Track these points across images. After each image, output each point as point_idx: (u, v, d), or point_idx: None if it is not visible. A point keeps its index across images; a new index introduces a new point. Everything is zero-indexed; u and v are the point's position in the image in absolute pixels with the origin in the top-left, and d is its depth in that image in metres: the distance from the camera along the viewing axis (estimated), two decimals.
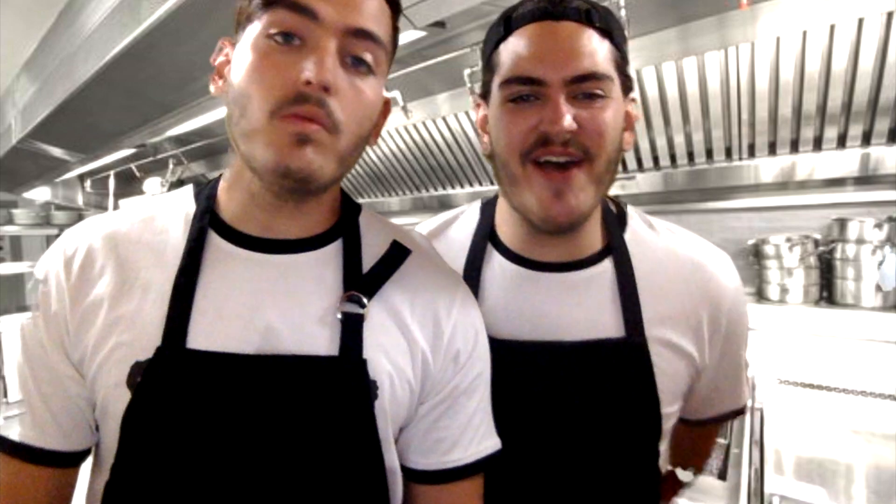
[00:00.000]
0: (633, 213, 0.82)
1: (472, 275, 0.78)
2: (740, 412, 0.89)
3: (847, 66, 1.52)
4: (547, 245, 0.76)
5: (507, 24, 0.72)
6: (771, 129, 1.76)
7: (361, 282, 0.63)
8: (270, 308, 0.60)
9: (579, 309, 0.74)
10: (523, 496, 0.74)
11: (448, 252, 0.79)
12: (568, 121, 0.66)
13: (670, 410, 0.75)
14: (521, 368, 0.73)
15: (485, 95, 0.76)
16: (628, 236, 0.78)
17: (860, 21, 1.42)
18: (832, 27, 1.46)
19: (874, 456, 1.29)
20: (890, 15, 1.39)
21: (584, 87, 0.67)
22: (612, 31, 0.70)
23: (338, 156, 0.59)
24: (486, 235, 0.81)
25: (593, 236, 0.78)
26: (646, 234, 0.79)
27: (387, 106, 0.68)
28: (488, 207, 0.85)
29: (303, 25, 0.56)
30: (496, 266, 0.78)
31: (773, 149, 1.82)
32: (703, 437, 0.94)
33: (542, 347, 0.73)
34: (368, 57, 0.59)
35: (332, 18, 0.56)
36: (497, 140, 0.73)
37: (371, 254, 0.66)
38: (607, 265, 0.76)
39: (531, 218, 0.71)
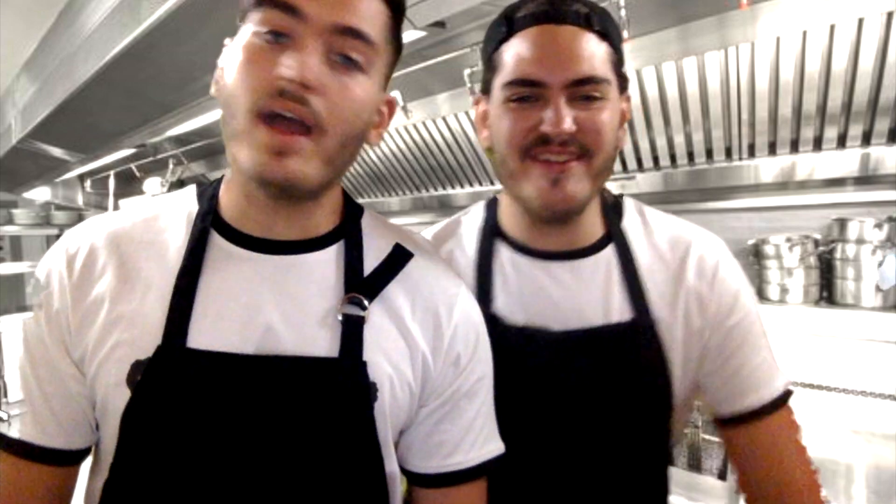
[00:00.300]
0: (628, 202, 0.86)
1: (484, 269, 0.80)
2: (782, 401, 0.76)
3: (847, 66, 1.51)
4: (550, 235, 0.79)
5: (509, 25, 0.73)
6: (771, 129, 1.76)
7: (362, 284, 0.63)
8: (271, 308, 0.60)
9: (588, 294, 0.77)
10: (542, 485, 0.75)
11: (459, 250, 0.82)
12: (568, 123, 0.68)
13: (680, 377, 0.77)
14: (539, 355, 0.75)
15: (485, 91, 0.79)
16: (625, 224, 0.82)
17: (860, 21, 1.42)
18: (832, 27, 1.46)
19: (874, 456, 1.29)
20: (890, 15, 1.39)
21: (584, 90, 0.70)
22: (609, 33, 0.73)
23: (324, 158, 0.58)
24: (492, 230, 0.84)
25: (594, 225, 0.81)
26: (641, 221, 0.83)
27: (391, 106, 0.68)
28: (492, 204, 0.88)
29: (289, 23, 0.55)
30: (505, 258, 0.81)
31: (773, 149, 1.82)
32: (772, 452, 0.75)
33: (560, 334, 0.75)
34: (357, 55, 0.58)
35: (319, 16, 0.55)
36: (497, 137, 0.75)
37: (373, 256, 0.66)
38: (610, 252, 0.79)
39: (531, 207, 0.74)
